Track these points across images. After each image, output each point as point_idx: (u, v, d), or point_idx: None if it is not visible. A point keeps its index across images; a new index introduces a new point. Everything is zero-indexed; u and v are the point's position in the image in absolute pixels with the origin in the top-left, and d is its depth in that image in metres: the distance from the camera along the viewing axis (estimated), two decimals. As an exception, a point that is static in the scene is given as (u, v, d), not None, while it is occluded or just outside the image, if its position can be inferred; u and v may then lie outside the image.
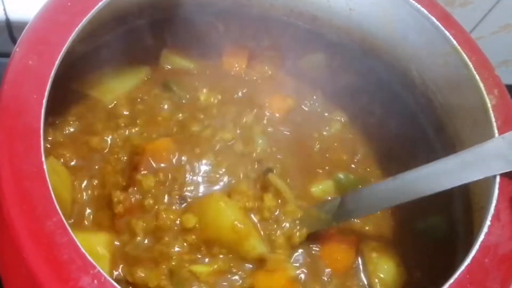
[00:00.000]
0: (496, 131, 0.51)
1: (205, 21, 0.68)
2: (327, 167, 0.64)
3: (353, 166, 0.65)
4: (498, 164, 0.47)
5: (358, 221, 0.60)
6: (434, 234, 0.60)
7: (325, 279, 0.56)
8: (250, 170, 0.59)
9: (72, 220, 0.53)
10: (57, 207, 0.39)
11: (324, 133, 0.67)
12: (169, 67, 0.67)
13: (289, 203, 0.57)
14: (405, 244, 0.59)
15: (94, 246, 0.51)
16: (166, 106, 0.62)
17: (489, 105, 0.52)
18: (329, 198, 0.61)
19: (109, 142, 0.58)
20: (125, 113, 0.60)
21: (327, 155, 0.65)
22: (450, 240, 0.58)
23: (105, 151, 0.57)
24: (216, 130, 0.61)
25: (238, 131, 0.62)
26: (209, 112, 0.63)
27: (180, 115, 0.62)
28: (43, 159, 0.40)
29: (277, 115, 0.66)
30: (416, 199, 0.55)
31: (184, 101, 0.64)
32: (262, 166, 0.60)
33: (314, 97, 0.69)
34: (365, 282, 0.57)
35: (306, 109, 0.68)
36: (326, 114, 0.68)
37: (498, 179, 0.47)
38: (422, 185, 0.50)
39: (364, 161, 0.65)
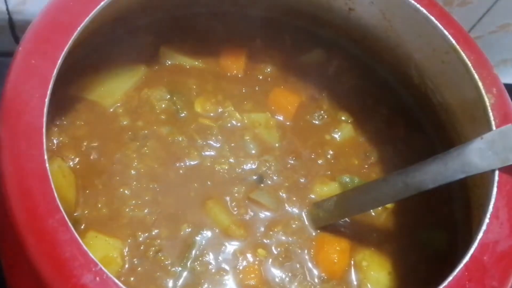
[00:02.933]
0: (494, 129, 0.51)
1: (205, 21, 0.68)
2: (329, 172, 0.64)
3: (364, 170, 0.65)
4: (478, 164, 0.47)
5: (352, 228, 0.60)
6: (435, 241, 0.60)
7: (316, 281, 0.56)
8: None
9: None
10: (60, 205, 0.39)
11: (334, 135, 0.67)
12: (169, 62, 0.66)
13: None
14: (399, 252, 0.59)
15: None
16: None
17: (487, 103, 0.52)
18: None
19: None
20: (125, 123, 0.61)
21: (330, 157, 0.65)
22: (451, 247, 0.59)
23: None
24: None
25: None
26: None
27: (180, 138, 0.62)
28: (46, 157, 0.40)
29: (282, 117, 0.67)
30: (416, 201, 0.56)
31: (182, 115, 0.63)
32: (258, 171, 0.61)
33: (318, 98, 0.69)
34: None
35: (311, 110, 0.68)
36: (331, 115, 0.68)
37: (496, 177, 0.48)
38: (409, 185, 0.50)
39: (373, 165, 0.66)
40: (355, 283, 0.56)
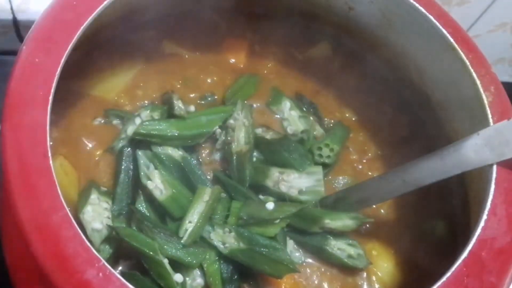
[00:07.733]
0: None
1: (207, 18, 0.68)
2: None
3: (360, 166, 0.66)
4: (474, 159, 0.48)
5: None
6: (435, 235, 0.60)
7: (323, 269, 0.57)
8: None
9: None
10: (63, 201, 0.39)
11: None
12: (171, 56, 0.67)
13: None
14: (405, 244, 0.60)
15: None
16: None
17: (485, 101, 0.52)
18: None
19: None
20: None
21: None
22: (450, 241, 0.59)
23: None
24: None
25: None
26: None
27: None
28: (50, 154, 0.40)
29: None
30: (416, 198, 0.57)
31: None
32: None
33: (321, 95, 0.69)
34: (364, 278, 0.58)
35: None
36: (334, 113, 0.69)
37: (494, 174, 0.48)
38: (407, 181, 0.51)
39: (372, 161, 0.66)
40: (363, 275, 0.57)
